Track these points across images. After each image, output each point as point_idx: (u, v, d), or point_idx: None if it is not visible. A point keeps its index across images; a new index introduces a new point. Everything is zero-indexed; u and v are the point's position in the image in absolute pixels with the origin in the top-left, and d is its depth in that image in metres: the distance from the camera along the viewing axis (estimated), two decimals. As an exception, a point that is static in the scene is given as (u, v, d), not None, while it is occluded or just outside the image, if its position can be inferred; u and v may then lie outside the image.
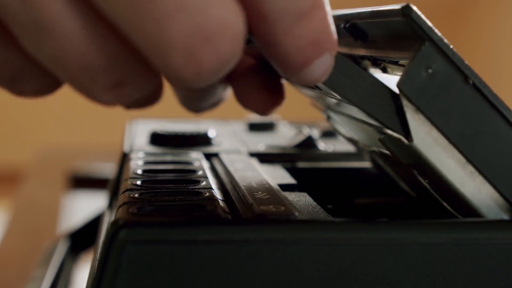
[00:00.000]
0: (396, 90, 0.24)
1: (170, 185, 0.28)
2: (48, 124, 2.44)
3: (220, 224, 0.23)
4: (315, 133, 0.43)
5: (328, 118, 0.36)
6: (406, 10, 0.23)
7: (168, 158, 0.34)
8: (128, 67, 0.21)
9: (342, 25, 0.27)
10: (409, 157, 0.25)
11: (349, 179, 0.37)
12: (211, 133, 0.40)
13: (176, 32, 0.19)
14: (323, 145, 0.41)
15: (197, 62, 0.20)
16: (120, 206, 0.25)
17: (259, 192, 0.27)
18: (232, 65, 0.20)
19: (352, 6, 0.28)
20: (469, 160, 0.24)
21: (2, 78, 0.22)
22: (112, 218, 0.24)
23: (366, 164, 0.37)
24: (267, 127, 0.48)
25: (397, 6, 0.23)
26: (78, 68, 0.21)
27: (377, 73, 0.28)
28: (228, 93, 0.34)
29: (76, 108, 2.34)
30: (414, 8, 0.23)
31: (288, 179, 0.32)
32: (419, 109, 0.24)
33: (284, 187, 0.29)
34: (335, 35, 0.22)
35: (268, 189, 0.28)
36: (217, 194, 0.27)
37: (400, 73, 0.24)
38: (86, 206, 0.55)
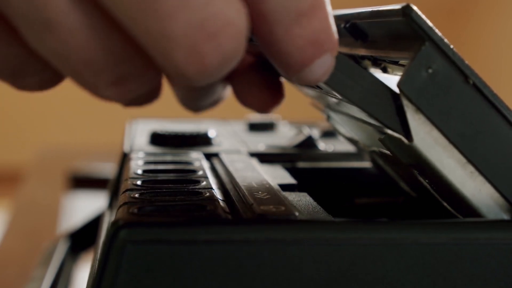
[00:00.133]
0: (397, 90, 0.24)
1: (170, 185, 0.28)
2: (48, 124, 2.44)
3: (220, 224, 0.23)
4: (315, 133, 0.43)
5: (328, 118, 0.36)
6: (406, 10, 0.23)
7: (168, 158, 0.34)
8: (131, 63, 0.21)
9: (342, 25, 0.27)
10: (409, 157, 0.25)
11: (349, 179, 0.37)
12: (211, 133, 0.40)
13: (179, 28, 0.19)
14: (323, 145, 0.41)
15: (200, 59, 0.20)
16: (120, 206, 0.25)
17: (259, 192, 0.27)
18: (235, 62, 0.20)
19: (352, 6, 0.28)
20: (469, 160, 0.24)
21: (4, 72, 0.22)
22: (112, 218, 0.24)
23: (366, 164, 0.37)
24: (267, 127, 0.48)
25: (397, 6, 0.23)
26: (81, 63, 0.20)
27: (377, 73, 0.28)
28: (228, 92, 0.34)
29: (76, 108, 2.34)
30: (415, 8, 0.23)
31: (288, 179, 0.32)
32: (419, 109, 0.24)
33: (284, 187, 0.29)
34: (335, 36, 0.22)
35: (268, 189, 0.28)
36: (217, 194, 0.27)
37: (400, 73, 0.24)
38: (86, 206, 0.55)
